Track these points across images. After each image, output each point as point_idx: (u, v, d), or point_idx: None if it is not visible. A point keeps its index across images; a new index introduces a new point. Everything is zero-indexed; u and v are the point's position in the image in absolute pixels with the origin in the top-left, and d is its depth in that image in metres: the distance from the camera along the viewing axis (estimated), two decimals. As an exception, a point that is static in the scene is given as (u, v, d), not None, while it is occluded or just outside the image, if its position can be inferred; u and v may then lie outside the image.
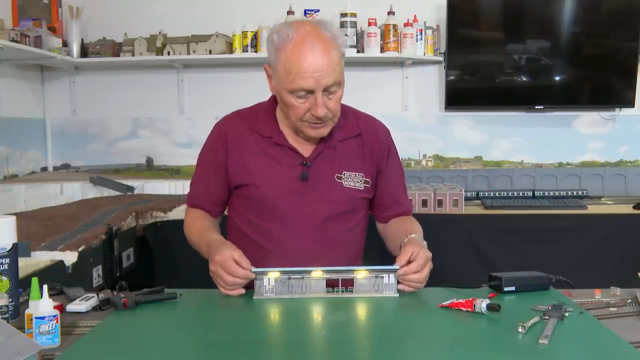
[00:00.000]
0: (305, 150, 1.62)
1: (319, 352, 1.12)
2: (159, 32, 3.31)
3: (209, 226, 1.65)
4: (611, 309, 1.34)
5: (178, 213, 2.87)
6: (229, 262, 1.42)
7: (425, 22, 3.30)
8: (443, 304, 1.32)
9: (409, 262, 1.44)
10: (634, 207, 2.95)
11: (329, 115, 1.53)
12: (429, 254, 1.47)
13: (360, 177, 1.64)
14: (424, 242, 1.55)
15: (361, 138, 1.66)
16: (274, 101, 1.64)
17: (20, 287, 1.33)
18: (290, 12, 3.21)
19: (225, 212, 1.76)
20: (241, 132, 1.65)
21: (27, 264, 1.82)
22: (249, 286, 1.44)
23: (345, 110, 1.67)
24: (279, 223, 1.60)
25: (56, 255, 1.99)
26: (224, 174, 1.64)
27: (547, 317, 1.21)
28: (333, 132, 1.62)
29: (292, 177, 1.59)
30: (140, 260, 2.72)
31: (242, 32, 3.21)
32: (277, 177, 1.59)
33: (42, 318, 1.11)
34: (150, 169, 3.56)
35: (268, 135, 1.62)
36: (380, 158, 1.68)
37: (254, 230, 1.63)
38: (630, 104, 3.30)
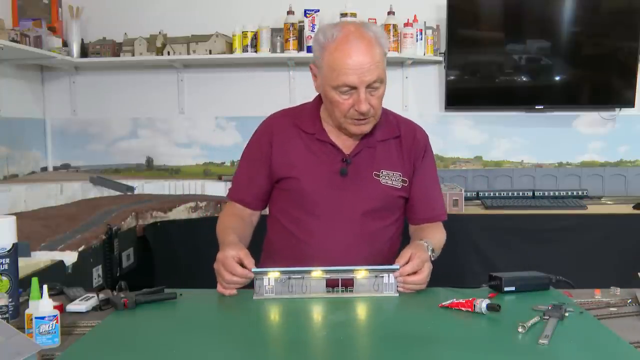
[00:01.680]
0: (346, 147, 1.66)
1: (319, 352, 1.12)
2: (159, 32, 3.31)
3: (234, 227, 1.66)
4: (611, 309, 1.34)
5: (178, 213, 2.87)
6: (229, 259, 1.43)
7: (425, 22, 3.30)
8: (443, 304, 1.33)
9: (406, 264, 1.45)
10: (634, 207, 2.95)
11: (372, 112, 1.57)
12: (426, 256, 1.48)
13: (398, 176, 1.67)
14: (431, 248, 1.55)
15: (400, 140, 1.71)
16: (318, 101, 1.70)
17: (20, 287, 1.33)
18: (290, 12, 3.21)
19: (265, 212, 1.80)
20: (286, 127, 1.69)
21: (27, 264, 1.81)
22: (249, 286, 1.44)
23: (387, 113, 1.73)
24: (318, 216, 1.63)
25: (56, 255, 1.99)
26: (268, 167, 1.69)
27: (547, 317, 1.21)
28: (374, 132, 1.66)
29: (332, 172, 1.64)
30: (140, 260, 2.72)
31: (242, 32, 3.21)
32: (318, 171, 1.64)
33: (42, 318, 1.11)
34: (150, 169, 3.56)
35: (311, 132, 1.67)
36: (416, 157, 1.71)
37: (293, 223, 1.67)
38: (630, 104, 3.30)
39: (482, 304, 1.26)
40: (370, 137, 1.66)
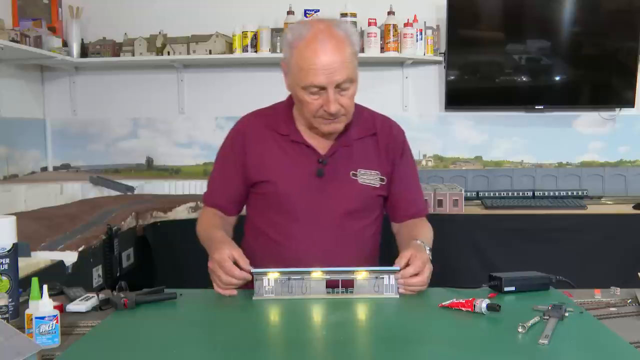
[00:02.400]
0: (322, 148, 1.63)
1: (319, 352, 1.12)
2: (159, 32, 3.31)
3: (217, 224, 1.65)
4: (611, 309, 1.34)
5: (178, 213, 2.87)
6: (226, 261, 1.42)
7: (425, 22, 3.30)
8: (443, 304, 1.32)
9: (407, 265, 1.44)
10: (634, 207, 2.95)
11: (342, 112, 1.54)
12: (427, 256, 1.48)
13: (376, 175, 1.65)
14: (428, 248, 1.55)
15: (377, 137, 1.68)
16: (291, 100, 1.66)
17: (20, 287, 1.33)
18: (290, 12, 3.21)
19: (243, 212, 1.77)
20: (259, 129, 1.67)
21: (27, 264, 1.82)
22: (249, 286, 1.44)
23: (362, 110, 1.70)
24: (296, 219, 1.61)
25: (56, 255, 1.99)
26: (242, 170, 1.66)
27: (547, 317, 1.21)
28: (350, 131, 1.64)
29: (309, 174, 1.61)
30: (140, 260, 2.72)
31: (242, 32, 3.21)
32: (294, 174, 1.61)
33: (42, 318, 1.11)
34: (150, 169, 3.55)
35: (285, 133, 1.64)
36: (394, 154, 1.69)
37: (272, 228, 1.64)
38: (630, 104, 3.30)
39: (482, 304, 1.26)
40: (345, 135, 1.63)
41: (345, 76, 1.49)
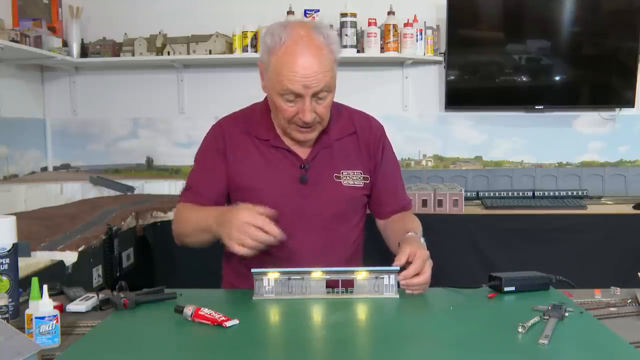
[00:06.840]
0: (303, 151, 1.61)
1: (319, 352, 1.12)
2: (159, 32, 3.31)
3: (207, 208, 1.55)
4: (611, 309, 1.34)
5: (178, 213, 2.87)
6: (260, 218, 1.37)
7: (425, 22, 3.30)
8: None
9: (408, 263, 1.41)
10: (634, 207, 2.95)
11: (317, 120, 1.52)
12: (427, 253, 1.44)
13: (359, 174, 1.63)
14: (423, 239, 1.54)
15: (356, 135, 1.66)
16: (268, 103, 1.63)
17: (20, 287, 1.33)
18: (290, 12, 3.21)
19: None
20: (238, 135, 1.63)
21: (27, 264, 1.82)
22: (249, 286, 1.44)
23: (339, 109, 1.67)
24: (282, 227, 1.53)
25: (56, 255, 2.00)
26: (226, 171, 1.61)
27: (547, 317, 1.21)
28: (329, 132, 1.62)
29: (292, 180, 1.59)
30: (140, 260, 2.72)
31: (242, 32, 3.22)
32: (277, 181, 1.58)
33: (42, 318, 1.11)
34: (150, 169, 3.55)
35: (265, 138, 1.61)
36: (375, 151, 1.67)
37: None
38: (630, 104, 3.30)
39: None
40: (325, 136, 1.61)
41: (323, 85, 1.46)
